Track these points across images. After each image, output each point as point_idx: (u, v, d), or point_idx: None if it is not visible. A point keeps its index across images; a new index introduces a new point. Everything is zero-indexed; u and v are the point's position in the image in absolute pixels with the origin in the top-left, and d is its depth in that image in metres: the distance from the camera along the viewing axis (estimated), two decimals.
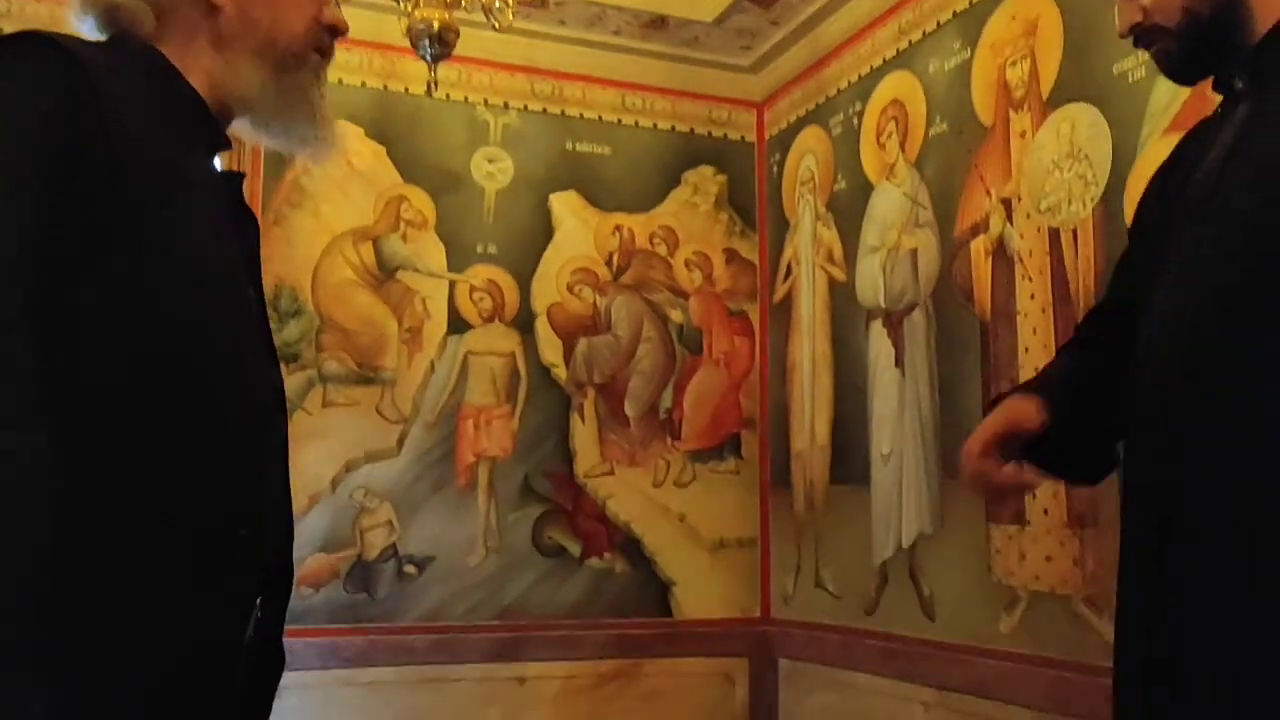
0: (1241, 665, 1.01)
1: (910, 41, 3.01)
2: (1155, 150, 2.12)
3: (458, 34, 2.58)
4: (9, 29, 2.47)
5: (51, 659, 0.88)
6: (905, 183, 2.99)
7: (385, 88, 3.34)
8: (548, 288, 3.46)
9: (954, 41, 2.83)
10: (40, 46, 0.99)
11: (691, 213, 3.67)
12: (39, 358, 0.91)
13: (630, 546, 3.44)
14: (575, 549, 3.38)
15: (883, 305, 3.05)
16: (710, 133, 3.73)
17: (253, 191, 3.10)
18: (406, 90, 3.34)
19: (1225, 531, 1.03)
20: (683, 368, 3.58)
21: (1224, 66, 1.20)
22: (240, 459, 1.06)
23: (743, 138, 3.77)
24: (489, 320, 3.39)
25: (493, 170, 3.45)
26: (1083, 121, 2.38)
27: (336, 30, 1.22)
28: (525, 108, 3.51)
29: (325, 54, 1.23)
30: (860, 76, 3.25)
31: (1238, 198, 1.10)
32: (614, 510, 3.44)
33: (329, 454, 3.15)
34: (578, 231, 3.52)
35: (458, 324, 3.35)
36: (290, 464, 1.18)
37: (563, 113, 3.55)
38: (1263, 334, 1.03)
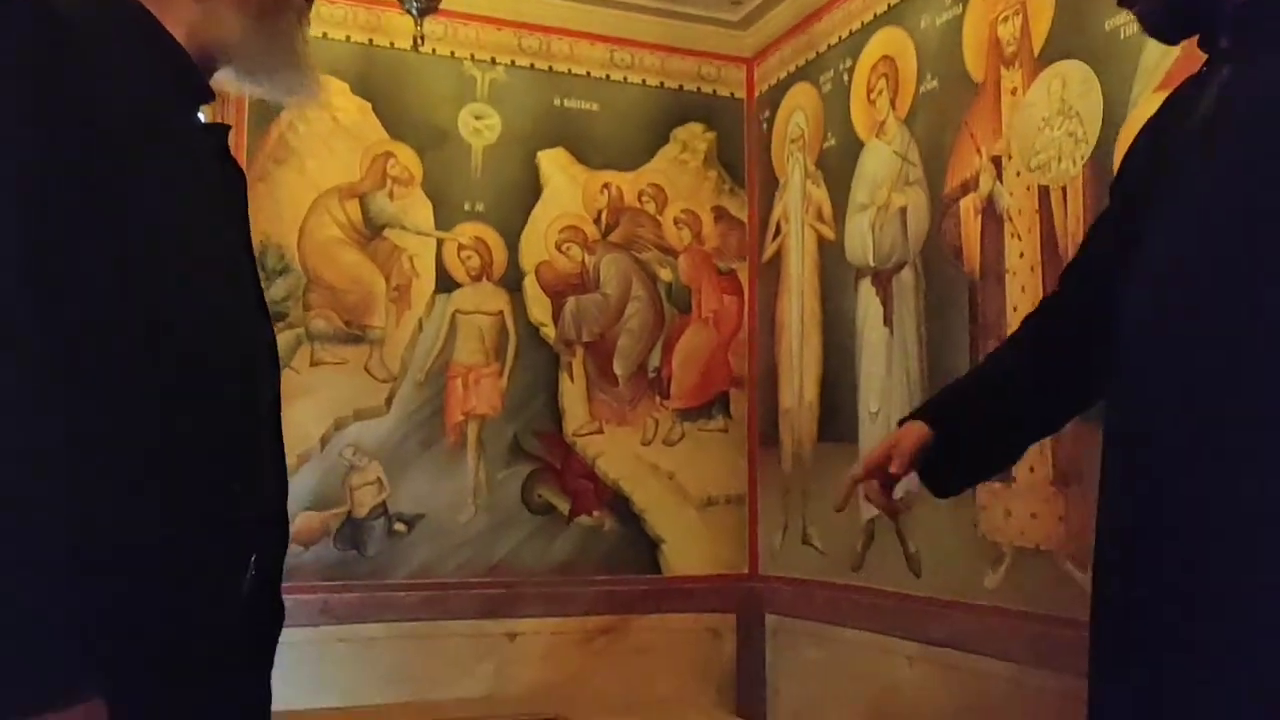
0: (1218, 602, 1.03)
1: None
2: (1146, 108, 2.11)
3: None
4: None
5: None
6: (895, 140, 2.98)
7: (370, 42, 3.30)
8: (536, 246, 3.45)
9: None
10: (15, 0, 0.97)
11: (680, 170, 3.65)
12: (31, 316, 0.90)
13: (619, 504, 3.46)
14: (564, 507, 3.40)
15: (872, 264, 3.05)
16: (700, 89, 3.70)
17: (237, 147, 3.06)
18: (392, 45, 3.30)
19: (1208, 478, 1.05)
20: (671, 326, 3.58)
21: (1208, 25, 1.20)
22: (233, 414, 1.06)
23: (732, 94, 3.75)
24: (477, 279, 3.38)
25: (480, 127, 3.42)
26: (1074, 78, 2.37)
27: None
28: (513, 63, 3.47)
29: None
30: (851, 32, 3.22)
31: (1224, 152, 1.10)
32: (603, 468, 3.45)
33: (318, 412, 3.14)
34: (566, 189, 3.50)
35: (446, 282, 3.34)
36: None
37: (550, 69, 3.51)
38: (1251, 283, 1.04)
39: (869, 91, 3.11)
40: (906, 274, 2.89)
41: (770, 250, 3.60)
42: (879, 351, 2.98)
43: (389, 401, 3.24)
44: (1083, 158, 2.33)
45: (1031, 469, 2.40)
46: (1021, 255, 2.49)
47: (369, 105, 3.29)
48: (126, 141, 0.99)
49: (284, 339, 3.07)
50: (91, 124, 0.96)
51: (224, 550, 1.05)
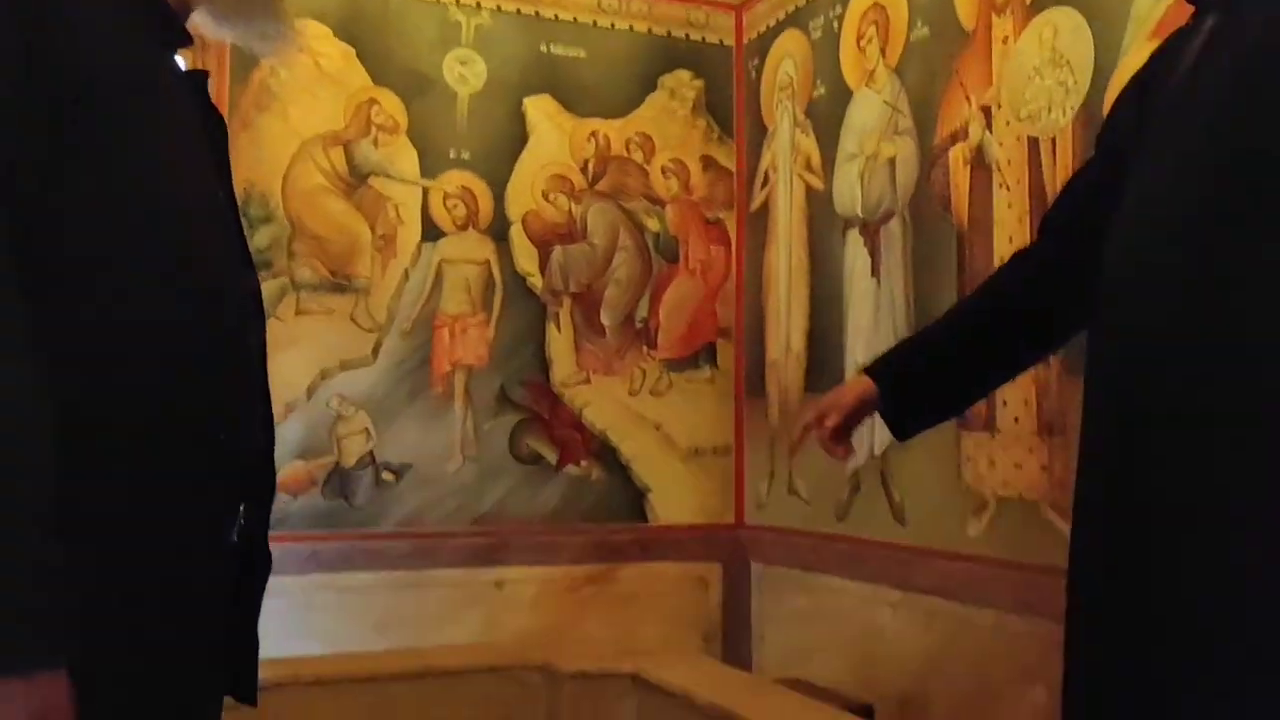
0: (1198, 555, 1.04)
1: None
2: (1137, 57, 2.10)
3: None
4: None
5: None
6: (885, 89, 2.96)
7: None
8: (522, 195, 3.42)
9: None
10: None
11: (668, 118, 3.61)
12: (8, 267, 0.89)
13: (606, 454, 3.47)
14: (552, 456, 3.41)
15: (860, 214, 3.04)
16: (688, 36, 3.66)
17: (219, 94, 3.02)
18: None
19: (1189, 431, 1.05)
20: (659, 276, 3.57)
21: None
22: (218, 363, 1.05)
23: (721, 41, 3.70)
24: (463, 228, 3.36)
25: (465, 73, 3.38)
26: (1065, 27, 2.35)
27: None
28: (498, 8, 3.42)
29: None
30: None
31: (1210, 100, 1.10)
32: (590, 418, 3.46)
33: (304, 362, 3.13)
34: (552, 137, 3.46)
35: (431, 231, 3.31)
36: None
37: (537, 14, 3.46)
38: (1232, 226, 1.04)
39: (859, 39, 3.08)
40: (894, 225, 2.88)
41: (758, 200, 3.58)
42: (866, 302, 2.98)
43: (375, 351, 3.23)
44: (1073, 108, 2.32)
45: (1016, 419, 2.42)
46: (1010, 206, 2.48)
47: (352, 50, 3.24)
48: (104, 85, 0.98)
49: (269, 288, 3.05)
50: (68, 67, 0.95)
51: (212, 499, 1.06)
